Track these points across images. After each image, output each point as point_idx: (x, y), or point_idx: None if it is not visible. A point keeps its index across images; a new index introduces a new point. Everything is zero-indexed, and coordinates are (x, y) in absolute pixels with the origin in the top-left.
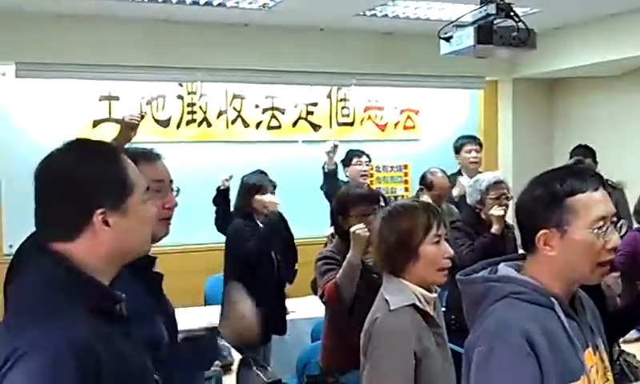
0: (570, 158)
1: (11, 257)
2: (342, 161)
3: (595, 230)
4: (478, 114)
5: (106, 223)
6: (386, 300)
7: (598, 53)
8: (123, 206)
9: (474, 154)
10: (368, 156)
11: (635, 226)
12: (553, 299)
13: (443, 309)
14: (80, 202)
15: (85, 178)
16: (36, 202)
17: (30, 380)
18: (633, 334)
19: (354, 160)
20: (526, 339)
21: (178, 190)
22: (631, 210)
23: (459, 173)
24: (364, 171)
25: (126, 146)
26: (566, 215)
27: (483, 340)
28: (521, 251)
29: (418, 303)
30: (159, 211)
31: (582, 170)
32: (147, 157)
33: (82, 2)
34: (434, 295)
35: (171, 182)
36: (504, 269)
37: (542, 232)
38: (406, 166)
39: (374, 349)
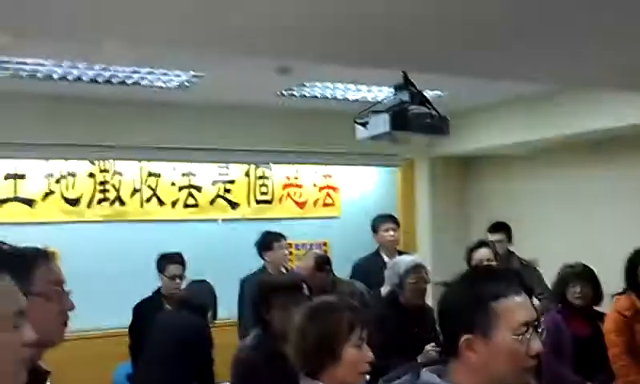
0: (487, 232)
1: None
2: (259, 245)
3: (520, 337)
4: (396, 191)
5: None
6: None
7: (511, 133)
8: None
9: (391, 232)
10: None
11: (552, 306)
12: None
13: None
14: None
15: None
16: None
17: None
18: None
19: (275, 245)
20: None
21: (69, 293)
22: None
23: (377, 252)
24: (286, 256)
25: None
26: (489, 320)
27: None
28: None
29: None
30: (59, 316)
31: (503, 272)
32: (45, 257)
33: None
34: None
35: (63, 283)
36: (426, 375)
37: (465, 337)
38: (325, 244)
39: None
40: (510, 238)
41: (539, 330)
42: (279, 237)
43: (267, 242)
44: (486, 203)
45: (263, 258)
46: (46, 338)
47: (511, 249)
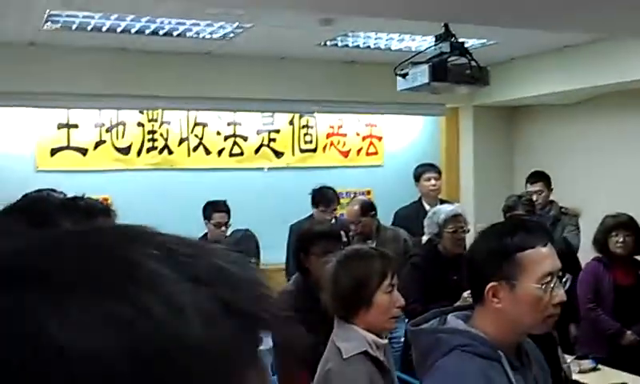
0: (526, 183)
1: None
2: (313, 198)
3: (543, 286)
4: (440, 140)
5: None
6: (338, 348)
7: (555, 82)
8: None
9: (432, 181)
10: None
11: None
12: (500, 352)
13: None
14: None
15: None
16: None
17: None
18: (588, 363)
19: (322, 207)
20: None
21: None
22: (582, 238)
23: (420, 201)
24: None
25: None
26: (515, 269)
27: None
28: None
29: (369, 350)
30: None
31: (531, 224)
32: (106, 212)
33: (43, 32)
34: (385, 341)
35: None
36: (452, 320)
37: (490, 284)
38: (369, 192)
39: None
40: (549, 188)
41: (563, 280)
42: (331, 201)
43: (318, 200)
44: (529, 152)
45: (313, 208)
46: None
47: (552, 198)
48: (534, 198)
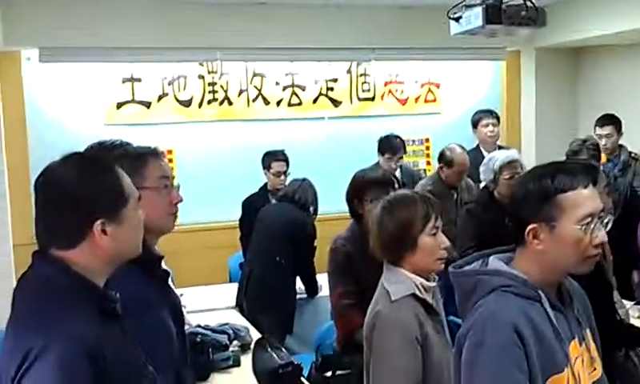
0: (594, 127)
1: None
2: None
3: (583, 227)
4: (500, 85)
5: (104, 232)
6: (387, 291)
7: (624, 21)
8: (119, 216)
9: (490, 127)
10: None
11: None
12: (540, 292)
13: None
14: (80, 214)
15: (84, 192)
16: (37, 213)
17: (48, 377)
18: None
19: (387, 155)
20: (514, 332)
21: (179, 187)
22: None
23: (478, 147)
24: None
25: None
26: (555, 211)
27: (473, 332)
28: None
29: (417, 293)
30: (167, 207)
31: (574, 166)
32: (154, 155)
33: None
34: (433, 284)
35: (173, 178)
36: (494, 262)
37: (531, 226)
38: (427, 140)
39: (378, 340)
40: (619, 131)
41: (604, 221)
42: (397, 149)
43: (384, 147)
44: (594, 95)
45: (379, 156)
46: (156, 226)
47: (621, 142)
48: (603, 142)
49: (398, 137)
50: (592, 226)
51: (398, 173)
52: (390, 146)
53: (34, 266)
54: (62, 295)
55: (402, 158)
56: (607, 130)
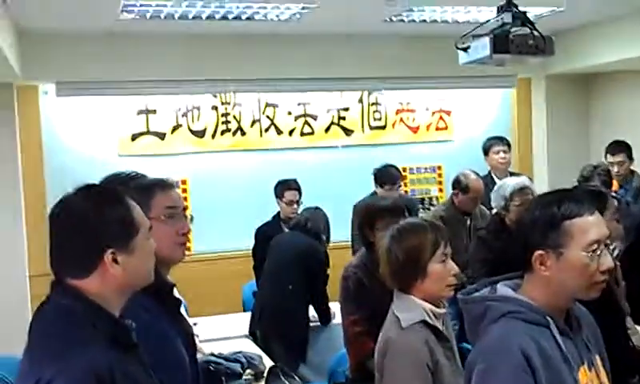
0: (605, 154)
1: None
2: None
3: (589, 253)
4: (511, 112)
5: (116, 261)
6: (398, 318)
7: (633, 47)
8: (130, 246)
9: (502, 154)
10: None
11: None
12: (548, 318)
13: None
14: (92, 244)
15: (95, 222)
16: (51, 243)
17: None
18: None
19: (387, 187)
20: (523, 357)
21: (192, 218)
22: None
23: (490, 174)
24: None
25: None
26: (562, 238)
27: (483, 358)
28: None
29: (428, 319)
30: (174, 236)
31: (580, 193)
32: (162, 186)
33: (117, 22)
34: (443, 310)
35: (184, 209)
36: (502, 288)
37: (538, 253)
38: (439, 167)
39: (389, 366)
40: (631, 158)
41: (611, 248)
42: (397, 179)
43: (384, 179)
44: (605, 122)
45: (377, 188)
46: (164, 255)
47: (633, 167)
48: (616, 169)
49: (393, 166)
50: (599, 252)
51: None
52: (390, 177)
53: (50, 295)
54: (76, 323)
55: (400, 186)
56: (619, 157)
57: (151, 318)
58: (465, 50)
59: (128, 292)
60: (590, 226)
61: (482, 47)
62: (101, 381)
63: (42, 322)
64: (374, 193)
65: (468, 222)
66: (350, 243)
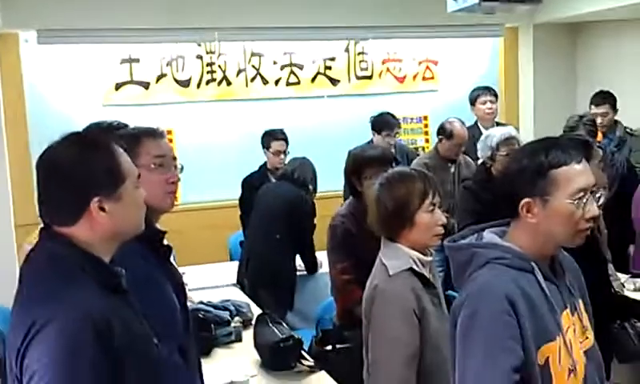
0: (590, 105)
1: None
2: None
3: (575, 201)
4: (498, 62)
5: (102, 209)
6: (385, 265)
7: None
8: (117, 193)
9: (488, 104)
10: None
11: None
12: (533, 264)
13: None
14: (78, 192)
15: (81, 170)
16: (38, 191)
17: (52, 349)
18: None
19: (384, 132)
20: (507, 302)
21: (182, 168)
22: None
23: (476, 124)
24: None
25: (133, 124)
26: (548, 186)
27: (468, 303)
28: None
29: (415, 267)
30: (163, 185)
31: (567, 142)
32: (150, 134)
33: None
34: (430, 258)
35: (174, 158)
36: (488, 235)
37: (525, 200)
38: (425, 117)
39: (377, 313)
40: (615, 108)
41: (597, 196)
42: (394, 126)
43: (381, 126)
44: (592, 71)
45: (375, 135)
46: (154, 204)
47: (617, 118)
48: (599, 120)
49: (390, 114)
50: (584, 200)
51: (392, 150)
52: (388, 123)
53: (39, 242)
54: (65, 268)
55: (397, 134)
56: (603, 108)
57: (143, 264)
58: None
59: (117, 240)
60: (577, 174)
61: None
62: (93, 323)
63: (33, 267)
64: (371, 141)
65: (452, 170)
66: (340, 193)
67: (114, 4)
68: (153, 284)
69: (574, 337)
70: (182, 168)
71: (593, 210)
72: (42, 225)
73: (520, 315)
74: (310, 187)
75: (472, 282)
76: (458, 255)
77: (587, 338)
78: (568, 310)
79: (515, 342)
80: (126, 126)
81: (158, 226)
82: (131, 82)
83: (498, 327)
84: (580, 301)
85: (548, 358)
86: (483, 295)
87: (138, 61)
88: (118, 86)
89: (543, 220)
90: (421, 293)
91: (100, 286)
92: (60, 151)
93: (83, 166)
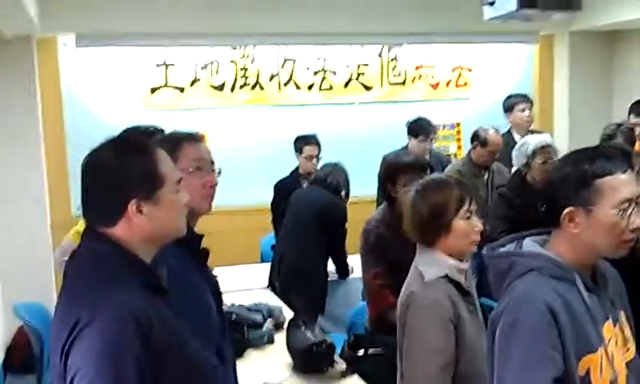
0: (629, 114)
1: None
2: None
3: (620, 212)
4: (533, 70)
5: (140, 211)
6: (421, 272)
7: None
8: (155, 196)
9: (527, 112)
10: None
11: None
12: (575, 274)
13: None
14: (116, 194)
15: (120, 172)
16: (82, 192)
17: (96, 347)
18: None
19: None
20: (548, 311)
21: (220, 171)
22: None
23: (509, 132)
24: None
25: (168, 128)
26: (593, 195)
27: (508, 312)
28: None
29: (450, 274)
30: (201, 188)
31: (612, 151)
32: (190, 139)
33: None
34: (466, 265)
35: (212, 162)
36: (529, 244)
37: (568, 210)
38: (458, 125)
39: (412, 320)
40: None
41: None
42: (430, 132)
43: (417, 130)
44: (629, 80)
45: (411, 139)
46: (192, 206)
47: None
48: (638, 131)
49: (427, 119)
50: (629, 210)
51: (426, 157)
52: (424, 128)
53: (83, 242)
54: (109, 268)
55: (432, 139)
56: None
57: (183, 268)
58: (491, 4)
59: (157, 242)
60: (622, 184)
61: (507, 1)
62: (136, 320)
63: (77, 266)
64: (405, 147)
65: (485, 177)
66: (373, 198)
67: (151, 8)
68: (191, 287)
69: (615, 348)
70: (219, 171)
71: (638, 221)
72: (76, 226)
73: (561, 325)
74: (343, 193)
75: (512, 291)
76: (498, 263)
77: (629, 349)
78: (610, 322)
79: (556, 351)
80: (162, 130)
81: (195, 229)
82: (166, 85)
83: (539, 336)
84: (622, 312)
85: (589, 369)
86: (524, 304)
87: (173, 65)
88: (153, 90)
89: (586, 230)
90: (456, 300)
91: (142, 285)
92: (101, 154)
93: (121, 168)
